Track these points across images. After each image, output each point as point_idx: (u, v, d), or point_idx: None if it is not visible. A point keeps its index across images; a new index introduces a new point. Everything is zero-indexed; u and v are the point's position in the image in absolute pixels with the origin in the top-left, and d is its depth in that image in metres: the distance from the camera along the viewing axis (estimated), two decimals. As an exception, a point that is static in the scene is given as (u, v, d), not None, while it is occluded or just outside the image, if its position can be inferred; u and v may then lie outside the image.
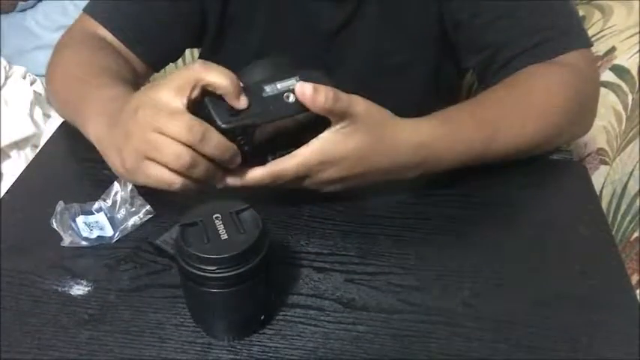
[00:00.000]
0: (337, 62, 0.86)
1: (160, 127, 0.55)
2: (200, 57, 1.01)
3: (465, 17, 0.79)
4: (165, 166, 0.56)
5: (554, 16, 0.77)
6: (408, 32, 0.84)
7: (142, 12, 0.82)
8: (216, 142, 0.55)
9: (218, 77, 0.56)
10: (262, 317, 0.56)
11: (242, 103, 0.57)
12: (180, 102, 0.55)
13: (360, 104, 0.60)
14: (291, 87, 0.58)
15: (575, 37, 0.77)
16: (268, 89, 0.58)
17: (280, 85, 0.58)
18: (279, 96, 0.58)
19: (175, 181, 0.56)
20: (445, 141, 0.66)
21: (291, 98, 0.57)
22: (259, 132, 0.58)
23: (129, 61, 0.82)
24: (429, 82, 0.90)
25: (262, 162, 0.61)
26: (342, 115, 0.59)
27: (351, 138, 0.60)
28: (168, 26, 0.84)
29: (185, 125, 0.54)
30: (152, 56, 0.84)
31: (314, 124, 0.59)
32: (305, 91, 0.57)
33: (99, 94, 0.68)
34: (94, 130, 0.66)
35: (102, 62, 0.75)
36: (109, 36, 0.81)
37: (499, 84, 0.75)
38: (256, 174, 0.60)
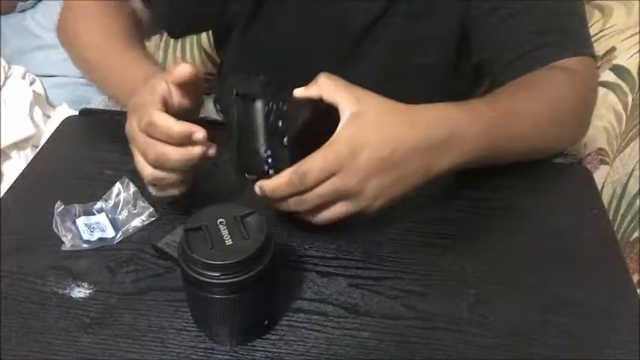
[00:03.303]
0: (360, 59, 0.86)
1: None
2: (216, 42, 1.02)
3: (481, 14, 0.79)
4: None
5: (565, 20, 0.77)
6: (432, 32, 0.84)
7: None
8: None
9: None
10: (265, 322, 0.56)
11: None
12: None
13: (358, 89, 0.60)
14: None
15: (583, 43, 0.77)
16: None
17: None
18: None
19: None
20: (466, 113, 0.64)
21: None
22: (293, 123, 0.59)
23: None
24: (447, 83, 0.89)
25: None
26: (345, 98, 0.59)
27: (366, 115, 0.59)
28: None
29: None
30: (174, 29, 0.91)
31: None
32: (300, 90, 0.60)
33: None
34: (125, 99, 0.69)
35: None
36: None
37: (505, 85, 0.75)
38: (282, 174, 0.58)
